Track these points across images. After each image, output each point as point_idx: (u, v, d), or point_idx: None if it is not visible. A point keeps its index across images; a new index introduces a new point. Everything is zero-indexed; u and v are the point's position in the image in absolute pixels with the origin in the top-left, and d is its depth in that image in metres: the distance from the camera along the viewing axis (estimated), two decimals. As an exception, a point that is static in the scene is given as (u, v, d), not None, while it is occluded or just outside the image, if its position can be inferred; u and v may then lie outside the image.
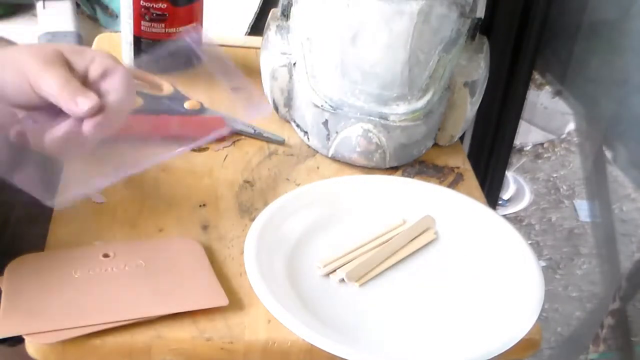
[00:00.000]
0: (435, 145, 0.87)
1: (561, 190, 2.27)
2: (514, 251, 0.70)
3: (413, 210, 0.75)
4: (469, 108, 0.85)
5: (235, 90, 0.72)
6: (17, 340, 0.58)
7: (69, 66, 0.64)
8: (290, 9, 0.86)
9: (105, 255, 0.66)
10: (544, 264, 1.96)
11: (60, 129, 0.63)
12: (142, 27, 0.91)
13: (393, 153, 0.82)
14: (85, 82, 0.64)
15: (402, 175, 0.83)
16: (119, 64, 0.65)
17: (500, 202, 2.05)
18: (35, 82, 0.62)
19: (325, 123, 0.82)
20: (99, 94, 0.63)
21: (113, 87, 0.64)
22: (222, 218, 0.73)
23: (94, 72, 0.65)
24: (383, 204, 0.76)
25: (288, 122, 0.88)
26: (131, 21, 0.91)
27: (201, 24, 0.95)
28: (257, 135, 0.85)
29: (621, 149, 1.05)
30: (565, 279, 1.94)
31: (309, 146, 0.85)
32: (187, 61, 0.95)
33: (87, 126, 0.63)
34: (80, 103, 0.62)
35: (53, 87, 0.62)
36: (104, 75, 0.64)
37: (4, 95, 0.64)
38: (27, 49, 0.65)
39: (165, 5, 0.90)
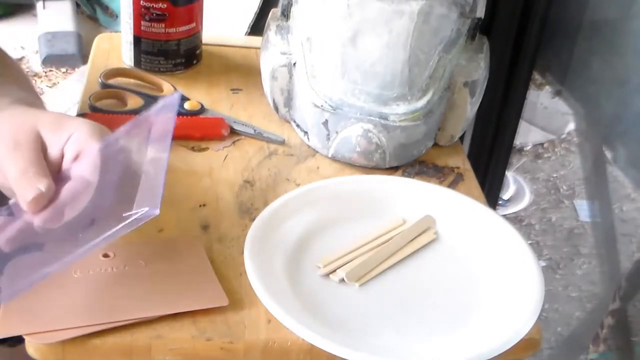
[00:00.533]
0: (435, 145, 0.87)
1: (561, 190, 2.27)
2: (514, 251, 0.70)
3: (413, 210, 0.75)
4: (469, 108, 0.85)
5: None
6: (17, 340, 0.58)
7: (43, 147, 0.60)
8: (290, 9, 0.86)
9: (105, 255, 0.66)
10: (544, 264, 1.96)
11: (14, 227, 0.59)
12: (142, 27, 0.91)
13: (393, 153, 0.82)
14: (60, 164, 0.60)
15: (402, 175, 0.83)
16: (94, 141, 0.59)
17: (500, 202, 2.04)
18: (1, 167, 0.59)
19: (325, 123, 0.82)
20: (68, 179, 0.59)
21: (76, 174, 0.59)
22: (222, 218, 0.73)
23: (68, 154, 0.60)
24: (383, 204, 0.76)
25: (288, 122, 0.88)
26: (131, 21, 0.91)
27: (201, 24, 0.95)
28: (257, 135, 0.85)
29: (621, 149, 1.05)
30: (565, 279, 1.93)
31: (309, 146, 0.85)
32: (187, 61, 0.95)
33: (36, 222, 0.57)
34: (27, 194, 0.57)
35: (10, 174, 0.58)
36: (77, 157, 0.59)
37: None
38: (5, 123, 0.60)
39: (165, 5, 0.90)
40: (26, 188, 0.57)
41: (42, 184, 0.57)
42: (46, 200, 0.57)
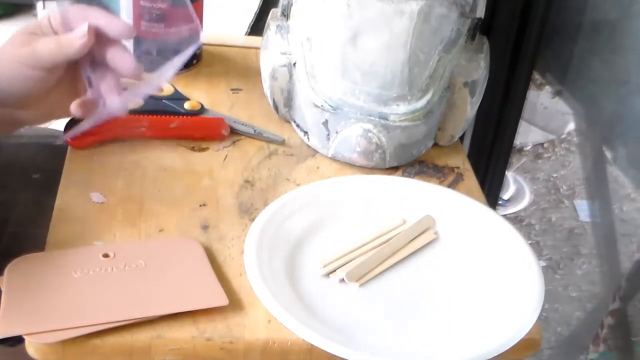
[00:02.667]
0: (435, 145, 0.87)
1: (561, 190, 2.27)
2: (514, 251, 0.70)
3: (413, 210, 0.75)
4: (469, 108, 0.85)
5: None
6: (17, 340, 0.58)
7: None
8: (290, 8, 0.86)
9: (105, 255, 0.66)
10: (544, 264, 1.96)
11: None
12: (142, 27, 0.91)
13: (393, 153, 0.82)
14: None
15: (402, 175, 0.83)
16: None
17: (500, 202, 2.05)
18: (32, 57, 0.67)
19: (325, 123, 0.82)
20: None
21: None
22: (222, 218, 0.73)
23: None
24: (383, 204, 0.76)
25: (288, 122, 0.88)
26: (131, 21, 0.91)
27: (201, 24, 0.95)
28: (257, 135, 0.85)
29: (621, 149, 1.05)
30: (565, 279, 1.93)
31: (309, 146, 0.85)
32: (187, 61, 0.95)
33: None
34: (74, 37, 0.67)
35: (50, 46, 0.67)
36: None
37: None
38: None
39: (165, 5, 0.90)
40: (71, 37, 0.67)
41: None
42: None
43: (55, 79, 0.69)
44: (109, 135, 0.81)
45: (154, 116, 0.84)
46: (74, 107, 0.69)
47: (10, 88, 0.68)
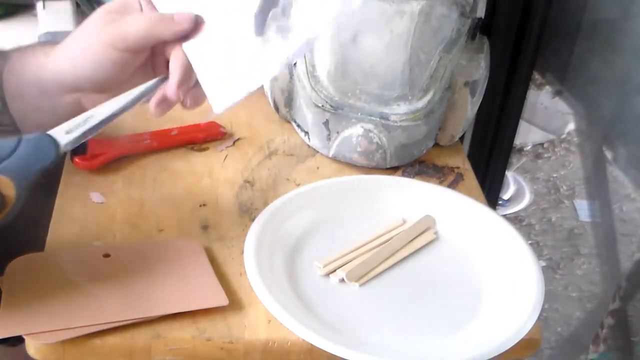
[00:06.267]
0: (436, 145, 0.87)
1: (561, 190, 2.27)
2: (514, 251, 0.70)
3: (413, 210, 0.75)
4: (469, 108, 0.85)
5: None
6: (17, 340, 0.58)
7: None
8: (290, 9, 0.86)
9: (106, 255, 0.66)
10: (544, 264, 1.96)
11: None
12: (142, 27, 0.91)
13: (394, 153, 0.82)
14: None
15: (402, 175, 0.83)
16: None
17: (500, 202, 2.05)
18: (119, 38, 0.61)
19: (326, 123, 0.82)
20: None
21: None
22: (222, 218, 0.73)
23: None
24: (383, 204, 0.76)
25: (288, 122, 0.88)
26: (131, 21, 0.91)
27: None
28: None
29: (621, 149, 1.05)
30: (565, 279, 1.94)
31: (309, 146, 0.85)
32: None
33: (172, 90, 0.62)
34: (178, 19, 0.62)
35: (141, 25, 0.61)
36: None
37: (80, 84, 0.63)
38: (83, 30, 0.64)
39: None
40: (171, 17, 0.63)
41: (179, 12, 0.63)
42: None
43: (139, 62, 0.64)
44: (116, 154, 0.79)
45: (156, 131, 0.83)
46: (154, 106, 0.63)
47: (92, 72, 0.62)
